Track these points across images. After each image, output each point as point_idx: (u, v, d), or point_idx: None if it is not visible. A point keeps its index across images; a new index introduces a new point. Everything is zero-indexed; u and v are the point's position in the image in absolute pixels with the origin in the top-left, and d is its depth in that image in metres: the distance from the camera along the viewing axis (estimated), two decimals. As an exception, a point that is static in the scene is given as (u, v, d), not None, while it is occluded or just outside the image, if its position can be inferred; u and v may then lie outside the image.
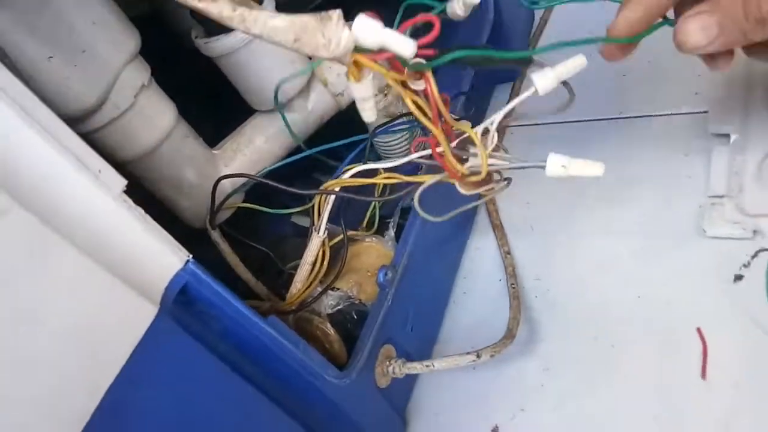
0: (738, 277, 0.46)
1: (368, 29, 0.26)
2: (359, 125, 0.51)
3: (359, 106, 0.30)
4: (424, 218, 0.39)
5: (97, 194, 0.25)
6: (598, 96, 0.64)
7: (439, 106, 0.31)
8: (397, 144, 0.54)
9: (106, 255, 0.25)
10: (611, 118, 0.61)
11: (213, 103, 0.55)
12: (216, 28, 0.43)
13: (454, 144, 0.36)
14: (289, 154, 0.52)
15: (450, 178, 0.37)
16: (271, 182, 0.42)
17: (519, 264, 0.55)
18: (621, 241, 0.52)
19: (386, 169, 0.43)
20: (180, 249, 0.28)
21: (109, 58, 0.39)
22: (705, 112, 0.55)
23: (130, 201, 0.26)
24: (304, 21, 0.26)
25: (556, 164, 0.35)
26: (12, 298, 0.23)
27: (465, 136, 0.37)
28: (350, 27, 0.27)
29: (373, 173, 0.43)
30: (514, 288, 0.52)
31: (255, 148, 0.49)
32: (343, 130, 0.51)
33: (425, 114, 0.32)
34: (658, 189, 0.54)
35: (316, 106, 0.52)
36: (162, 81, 0.45)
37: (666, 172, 0.54)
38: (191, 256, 0.28)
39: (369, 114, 0.30)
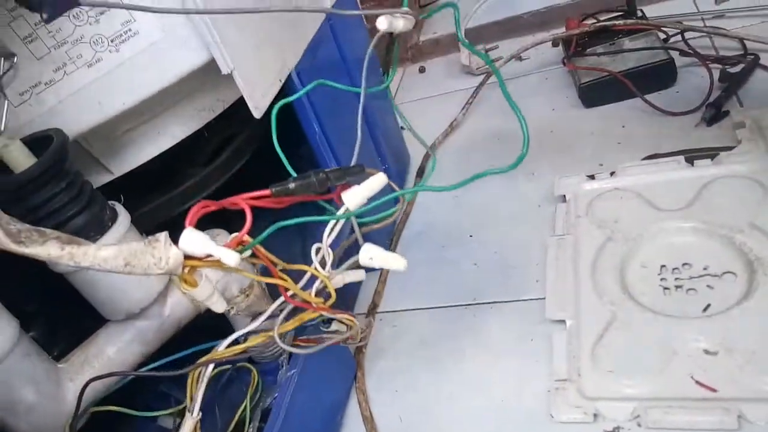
0: (586, 463, 0.48)
1: (195, 243, 0.28)
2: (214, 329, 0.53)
3: (206, 303, 0.32)
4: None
5: None
6: (455, 284, 0.69)
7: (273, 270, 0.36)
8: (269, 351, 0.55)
9: None
10: (467, 305, 0.66)
11: (67, 310, 0.54)
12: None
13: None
14: (149, 360, 0.51)
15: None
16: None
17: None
18: (480, 429, 0.54)
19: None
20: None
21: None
22: (544, 298, 0.61)
23: None
24: (133, 247, 0.29)
25: (365, 255, 0.41)
26: None
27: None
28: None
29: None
30: (379, 491, 0.51)
31: (105, 359, 0.48)
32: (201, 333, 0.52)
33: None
34: (511, 373, 0.57)
35: (174, 311, 0.52)
36: (7, 292, 0.44)
37: (517, 356, 0.58)
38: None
39: (218, 306, 0.32)
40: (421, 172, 0.88)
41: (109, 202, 0.47)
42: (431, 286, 0.70)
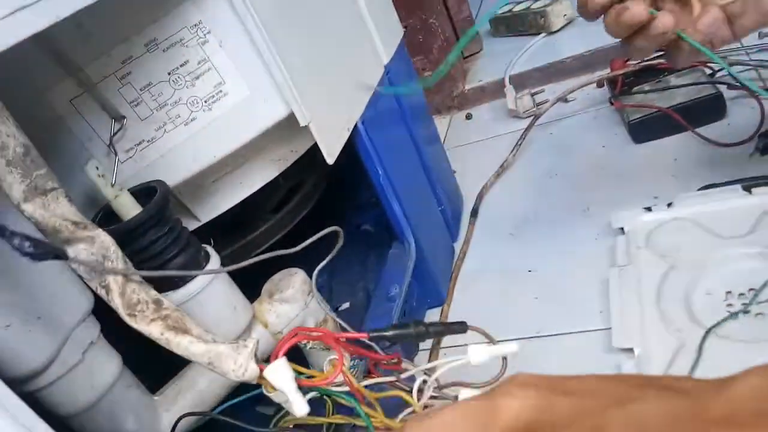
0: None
1: (278, 377, 0.31)
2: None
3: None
4: None
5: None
6: (518, 318, 0.70)
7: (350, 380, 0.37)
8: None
9: None
10: (530, 337, 0.67)
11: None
12: (164, 285, 0.48)
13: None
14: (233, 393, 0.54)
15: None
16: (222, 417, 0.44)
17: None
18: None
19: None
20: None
21: (63, 322, 0.43)
22: (609, 328, 0.62)
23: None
24: (220, 350, 0.33)
25: (477, 358, 0.43)
26: None
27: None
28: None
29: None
30: None
31: (197, 391, 0.51)
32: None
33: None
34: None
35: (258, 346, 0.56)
36: (109, 327, 0.49)
37: (585, 388, 0.59)
38: None
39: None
40: (475, 213, 0.91)
41: (202, 245, 0.51)
42: (494, 321, 0.71)
